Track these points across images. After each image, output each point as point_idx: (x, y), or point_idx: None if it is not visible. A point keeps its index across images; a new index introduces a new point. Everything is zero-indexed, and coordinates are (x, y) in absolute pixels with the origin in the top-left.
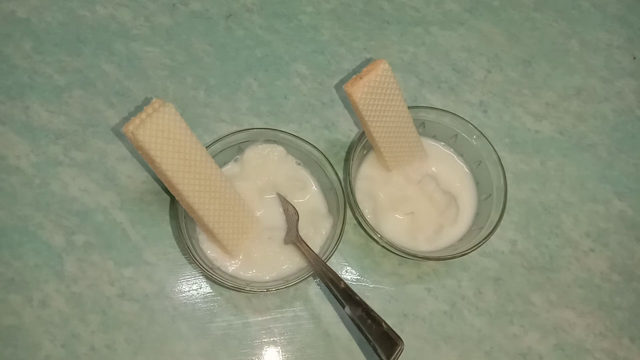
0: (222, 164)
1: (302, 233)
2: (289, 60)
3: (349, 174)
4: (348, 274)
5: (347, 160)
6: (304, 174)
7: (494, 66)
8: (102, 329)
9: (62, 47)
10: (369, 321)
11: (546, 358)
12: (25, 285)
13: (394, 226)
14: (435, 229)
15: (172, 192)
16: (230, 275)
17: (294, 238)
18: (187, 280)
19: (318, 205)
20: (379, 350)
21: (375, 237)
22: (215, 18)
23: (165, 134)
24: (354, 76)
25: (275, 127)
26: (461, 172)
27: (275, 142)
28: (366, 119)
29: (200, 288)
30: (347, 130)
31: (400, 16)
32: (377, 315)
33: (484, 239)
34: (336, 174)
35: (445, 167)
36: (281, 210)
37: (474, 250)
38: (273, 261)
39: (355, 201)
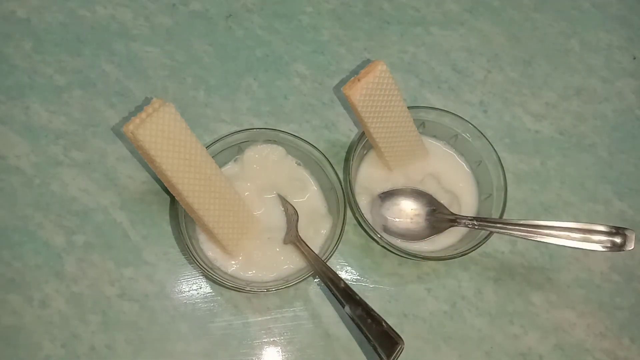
0: (222, 164)
1: (302, 233)
2: (289, 60)
3: (349, 174)
4: (348, 274)
5: (347, 160)
6: (304, 174)
7: (494, 66)
8: (102, 329)
9: (62, 47)
10: (369, 320)
11: (546, 358)
12: (25, 285)
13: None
14: None
15: (172, 192)
16: (230, 275)
17: (293, 238)
18: (187, 280)
19: (318, 205)
20: (379, 350)
21: (375, 237)
22: (215, 18)
23: (165, 134)
24: (352, 78)
25: (275, 127)
26: (462, 172)
27: (275, 142)
28: (366, 120)
29: (200, 288)
30: (347, 130)
31: (401, 16)
32: (377, 314)
33: (484, 239)
34: (336, 174)
35: (447, 166)
36: (281, 210)
37: (474, 250)
38: (273, 261)
39: (355, 201)
